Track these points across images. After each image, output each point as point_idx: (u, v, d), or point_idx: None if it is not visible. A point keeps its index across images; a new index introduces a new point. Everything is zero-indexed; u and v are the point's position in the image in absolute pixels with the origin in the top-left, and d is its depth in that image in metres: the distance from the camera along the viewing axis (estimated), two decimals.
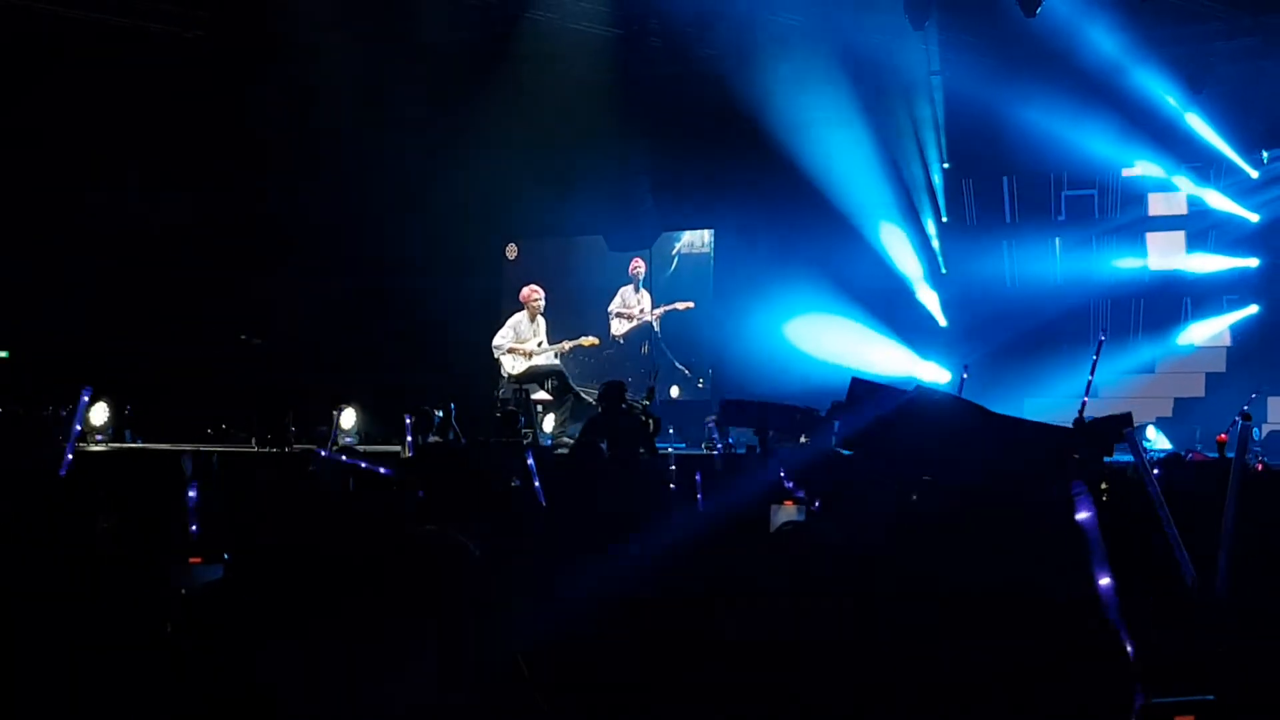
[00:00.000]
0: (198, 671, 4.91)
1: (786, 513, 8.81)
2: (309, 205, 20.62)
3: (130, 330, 18.97)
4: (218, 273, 20.26)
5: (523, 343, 18.41)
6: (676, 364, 21.82)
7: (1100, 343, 15.19)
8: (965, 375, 14.09)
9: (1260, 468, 12.87)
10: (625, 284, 22.05)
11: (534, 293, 18.80)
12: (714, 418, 17.12)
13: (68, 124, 18.66)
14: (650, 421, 16.66)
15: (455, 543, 5.19)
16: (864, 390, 12.21)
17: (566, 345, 18.99)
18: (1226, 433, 13.54)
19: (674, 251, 22.54)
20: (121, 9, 18.79)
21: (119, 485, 10.72)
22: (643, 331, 21.82)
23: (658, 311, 21.63)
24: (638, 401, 17.56)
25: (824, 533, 7.06)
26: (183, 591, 5.37)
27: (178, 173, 19.56)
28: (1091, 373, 14.37)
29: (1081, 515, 5.14)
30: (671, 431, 18.69)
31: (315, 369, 19.39)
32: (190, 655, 4.92)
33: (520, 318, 18.68)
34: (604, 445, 13.13)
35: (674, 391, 21.64)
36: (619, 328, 21.85)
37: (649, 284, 21.77)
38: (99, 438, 16.45)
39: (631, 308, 21.87)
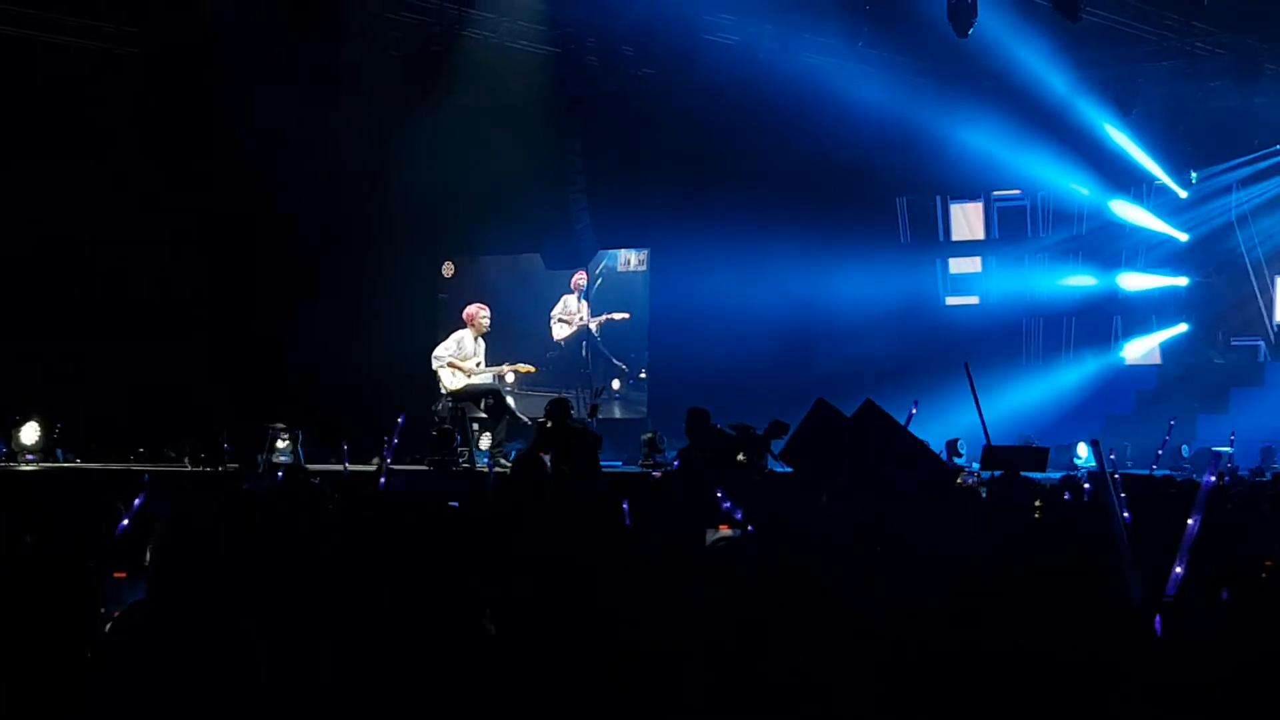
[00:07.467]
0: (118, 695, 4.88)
1: (722, 536, 8.89)
2: (243, 224, 20.48)
3: (62, 347, 18.79)
4: (152, 289, 20.12)
5: (464, 359, 18.28)
6: (614, 360, 22.04)
7: (965, 365, 12.65)
8: (914, 410, 13.91)
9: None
10: (568, 292, 22.45)
11: (481, 311, 18.62)
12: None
13: None
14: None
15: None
16: (824, 414, 12.28)
17: (506, 371, 18.93)
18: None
19: (612, 269, 22.59)
20: (50, 25, 18.64)
21: (47, 503, 10.65)
22: (581, 335, 22.26)
23: (596, 320, 21.88)
24: (578, 420, 17.52)
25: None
26: (102, 610, 5.33)
27: (109, 188, 19.42)
28: (974, 398, 12.73)
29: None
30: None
31: (249, 387, 19.26)
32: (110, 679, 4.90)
33: (464, 334, 18.46)
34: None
35: (615, 384, 21.86)
36: (560, 332, 22.31)
37: (588, 296, 22.02)
38: (30, 457, 16.29)
39: (573, 314, 22.25)
